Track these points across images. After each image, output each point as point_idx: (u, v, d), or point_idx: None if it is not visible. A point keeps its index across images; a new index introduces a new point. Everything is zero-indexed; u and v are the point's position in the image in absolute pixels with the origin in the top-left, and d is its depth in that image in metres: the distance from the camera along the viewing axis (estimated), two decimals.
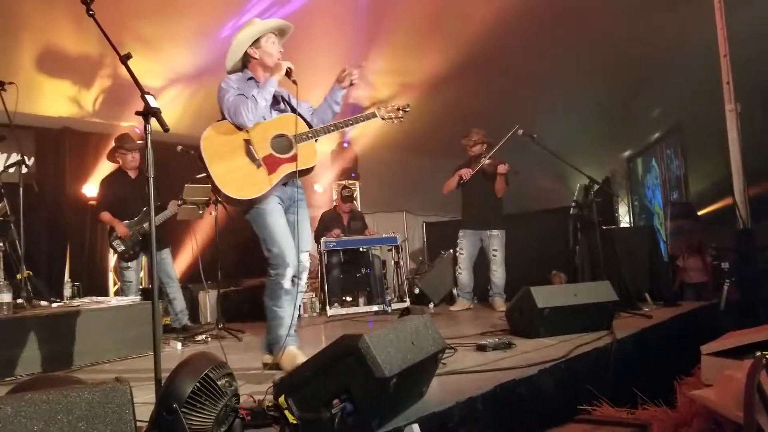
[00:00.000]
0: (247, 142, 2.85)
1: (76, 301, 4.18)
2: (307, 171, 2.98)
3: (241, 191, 2.81)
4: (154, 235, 1.97)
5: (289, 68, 2.92)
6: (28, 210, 5.57)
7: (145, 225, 4.83)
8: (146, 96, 1.91)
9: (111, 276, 6.08)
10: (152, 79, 6.21)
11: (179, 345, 4.23)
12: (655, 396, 2.70)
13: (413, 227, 9.97)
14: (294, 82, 2.92)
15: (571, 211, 4.87)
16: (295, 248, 2.92)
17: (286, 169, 2.89)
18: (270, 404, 1.89)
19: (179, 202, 4.80)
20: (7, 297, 3.42)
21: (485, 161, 5.37)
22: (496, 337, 3.59)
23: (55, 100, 5.86)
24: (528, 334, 3.57)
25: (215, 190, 2.84)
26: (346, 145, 8.61)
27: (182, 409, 1.61)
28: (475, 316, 5.29)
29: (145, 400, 1.93)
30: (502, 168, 5.33)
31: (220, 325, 4.75)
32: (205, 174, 2.84)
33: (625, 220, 10.12)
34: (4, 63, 5.14)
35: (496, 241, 5.49)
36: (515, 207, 9.21)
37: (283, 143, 2.92)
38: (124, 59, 1.98)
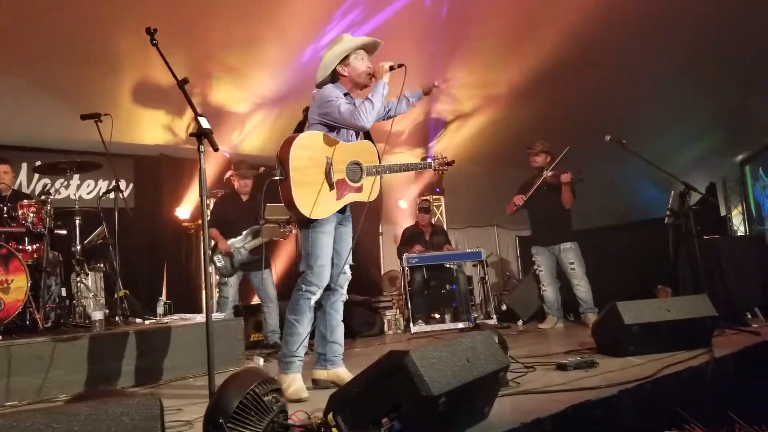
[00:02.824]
0: (329, 161, 2.90)
1: (166, 319, 4.40)
2: (367, 202, 3.08)
3: (309, 208, 2.85)
4: (206, 248, 2.01)
5: (392, 65, 2.97)
6: (129, 232, 6.04)
7: (246, 244, 5.07)
8: (199, 118, 1.97)
9: (204, 293, 6.37)
10: (239, 105, 6.54)
11: (261, 360, 4.33)
12: (757, 422, 2.38)
13: (506, 242, 9.70)
14: (400, 65, 2.98)
15: (665, 220, 4.49)
16: (330, 271, 2.96)
17: (351, 198, 3.00)
18: (319, 421, 1.85)
19: (261, 221, 4.96)
20: (99, 315, 3.67)
21: (548, 173, 5.14)
22: (580, 355, 3.36)
23: (151, 129, 6.31)
24: (615, 353, 3.31)
25: (286, 194, 2.86)
26: (429, 160, 8.52)
27: (228, 425, 1.61)
28: (565, 334, 5.03)
29: None
30: (565, 177, 5.10)
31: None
32: (282, 177, 2.88)
33: (740, 229, 9.22)
34: (107, 97, 5.61)
35: (570, 254, 5.22)
36: (613, 218, 8.75)
37: (356, 172, 3.02)
38: (182, 84, 2.07)
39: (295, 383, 2.82)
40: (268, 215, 4.93)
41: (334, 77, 3.07)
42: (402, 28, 6.30)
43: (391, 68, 2.97)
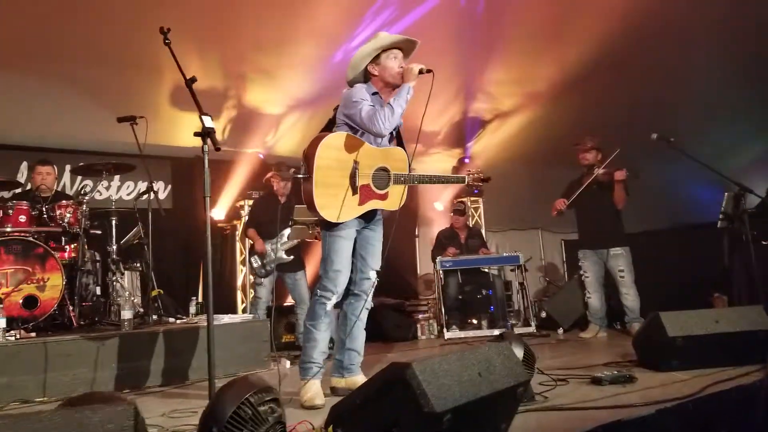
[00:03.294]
0: (356, 164, 2.80)
1: (197, 319, 4.41)
2: (392, 212, 2.98)
3: (330, 211, 2.76)
4: (209, 252, 1.94)
5: (421, 69, 2.83)
6: (166, 233, 6.13)
7: (280, 245, 5.06)
8: (203, 117, 1.91)
9: (239, 294, 6.41)
10: (273, 106, 6.54)
11: (288, 363, 4.27)
12: None
13: (551, 246, 9.39)
14: (429, 71, 2.84)
15: (718, 224, 4.18)
16: (347, 277, 2.87)
17: (374, 204, 2.89)
18: None
19: (290, 223, 4.93)
20: (128, 314, 3.69)
21: (599, 171, 4.84)
22: (619, 368, 3.14)
23: (188, 131, 6.32)
24: (657, 367, 3.08)
25: (307, 193, 2.77)
26: (467, 160, 8.34)
27: None
28: (608, 344, 4.77)
29: None
30: (619, 174, 4.78)
31: (330, 345, 4.74)
32: (305, 175, 2.79)
33: None
34: (145, 100, 5.69)
35: (621, 261, 4.90)
36: (664, 221, 8.33)
37: (383, 178, 2.91)
38: (189, 82, 2.02)
39: (311, 389, 2.74)
40: (297, 216, 4.90)
41: (366, 76, 2.97)
42: (436, 28, 6.17)
43: (420, 72, 2.82)
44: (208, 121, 1.94)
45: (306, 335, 2.88)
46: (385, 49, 2.90)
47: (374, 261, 2.98)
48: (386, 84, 2.92)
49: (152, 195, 4.48)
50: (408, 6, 6.01)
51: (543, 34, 6.56)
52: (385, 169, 2.90)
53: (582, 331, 5.32)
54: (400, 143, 3.03)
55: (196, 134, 2.00)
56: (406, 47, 2.96)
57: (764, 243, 4.35)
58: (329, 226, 2.83)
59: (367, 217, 2.95)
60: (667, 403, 2.25)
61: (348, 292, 2.96)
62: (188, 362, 3.83)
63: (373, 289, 2.99)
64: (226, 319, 4.31)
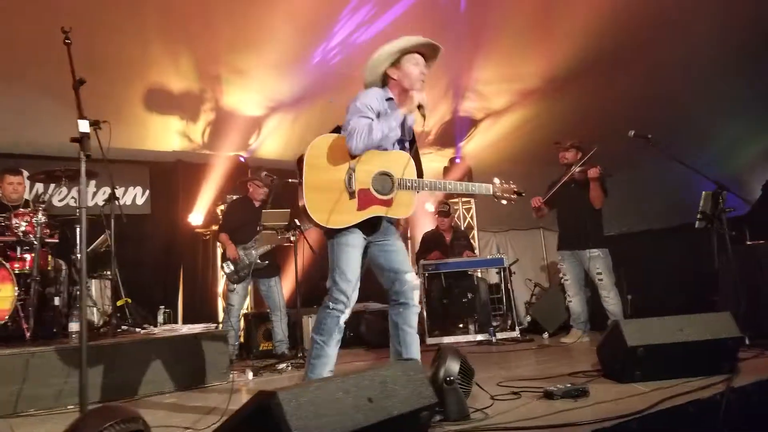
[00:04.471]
0: (351, 167, 2.63)
1: (156, 330, 4.28)
2: (396, 220, 2.77)
3: (323, 215, 2.59)
4: (84, 259, 1.80)
5: (421, 106, 2.65)
6: (144, 239, 6.06)
7: (253, 251, 4.94)
8: (79, 120, 1.78)
9: (220, 301, 6.29)
10: (253, 108, 6.41)
11: (251, 375, 4.14)
12: None
13: (554, 245, 9.17)
14: (423, 115, 2.67)
15: (696, 225, 3.97)
16: (357, 287, 2.67)
17: (377, 210, 2.66)
18: None
19: (259, 228, 4.80)
20: (75, 326, 3.57)
21: (576, 169, 4.68)
22: (578, 381, 2.97)
23: (166, 135, 6.28)
24: (620, 378, 2.89)
25: (300, 197, 2.62)
26: (458, 160, 8.15)
27: None
28: (588, 350, 4.55)
29: None
30: (593, 172, 4.64)
31: (300, 354, 4.63)
32: (298, 180, 2.67)
33: None
34: (118, 105, 5.61)
35: (599, 263, 4.72)
36: (663, 221, 8.06)
37: (386, 183, 2.68)
38: (77, 84, 1.88)
39: None
40: (266, 222, 4.77)
41: (385, 80, 2.81)
42: (417, 25, 5.97)
43: (420, 107, 2.64)
44: (84, 126, 1.80)
45: (314, 351, 2.63)
46: (407, 52, 2.74)
47: (404, 265, 2.75)
48: (403, 90, 2.77)
49: (116, 201, 4.38)
50: (387, 3, 5.84)
51: (530, 29, 6.35)
52: (387, 174, 2.69)
53: (563, 337, 5.14)
54: (412, 150, 2.82)
55: (73, 140, 1.86)
56: (428, 54, 2.79)
57: (749, 243, 4.13)
58: (331, 234, 2.66)
59: (376, 228, 2.72)
60: (605, 423, 2.06)
61: (394, 302, 2.78)
62: (139, 376, 3.65)
63: (417, 291, 2.80)
64: (184, 329, 4.19)
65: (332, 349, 2.63)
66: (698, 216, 3.87)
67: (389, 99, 2.75)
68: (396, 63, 2.74)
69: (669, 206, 8.44)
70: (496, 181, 2.90)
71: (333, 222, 2.59)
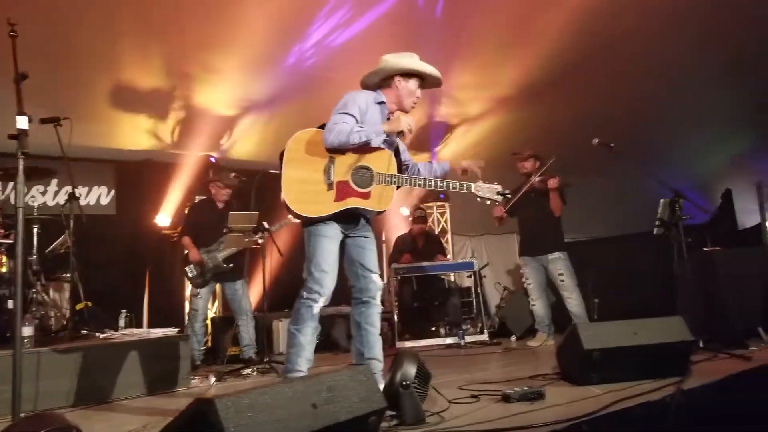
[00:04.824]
0: (331, 160, 2.73)
1: (117, 334, 4.19)
2: (376, 213, 2.83)
3: (301, 205, 2.70)
4: (20, 266, 1.76)
5: (403, 132, 2.75)
6: (109, 240, 5.92)
7: (218, 255, 4.86)
8: (17, 116, 1.73)
9: (187, 305, 6.19)
10: (225, 108, 6.31)
11: (213, 379, 4.08)
12: None
13: None
14: (402, 141, 2.86)
15: (654, 231, 4.05)
16: (335, 279, 2.75)
17: (354, 202, 2.74)
18: None
19: (225, 230, 4.74)
20: (28, 330, 3.47)
21: (535, 179, 4.78)
22: (536, 383, 3.01)
23: (134, 133, 6.15)
24: (578, 381, 2.93)
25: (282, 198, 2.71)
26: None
27: None
28: (553, 353, 4.56)
29: None
30: (552, 182, 4.80)
31: (266, 359, 4.59)
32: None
33: None
34: (83, 101, 5.46)
35: (560, 264, 4.85)
36: (641, 226, 8.20)
37: (365, 177, 2.77)
38: (19, 78, 1.83)
39: None
40: (232, 224, 4.69)
41: (383, 84, 2.91)
42: (393, 29, 5.99)
43: (400, 134, 2.78)
44: (22, 123, 1.75)
45: (290, 340, 2.71)
46: (419, 76, 2.88)
47: (372, 264, 2.86)
48: (397, 102, 2.89)
49: (74, 201, 4.27)
50: (363, 7, 5.82)
51: (507, 35, 6.37)
52: (367, 168, 2.77)
53: (529, 340, 5.20)
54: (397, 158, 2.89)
55: (10, 137, 1.81)
56: (429, 82, 2.94)
57: (705, 250, 4.22)
58: (307, 223, 2.74)
59: (353, 222, 2.83)
60: (557, 425, 2.08)
61: (356, 300, 2.85)
62: (98, 382, 3.53)
63: (380, 292, 2.90)
64: (145, 334, 4.11)
65: (306, 338, 2.69)
66: (656, 223, 3.95)
67: (381, 102, 2.87)
68: (407, 77, 2.86)
69: (634, 213, 8.58)
70: (480, 181, 2.96)
71: (310, 211, 2.69)
